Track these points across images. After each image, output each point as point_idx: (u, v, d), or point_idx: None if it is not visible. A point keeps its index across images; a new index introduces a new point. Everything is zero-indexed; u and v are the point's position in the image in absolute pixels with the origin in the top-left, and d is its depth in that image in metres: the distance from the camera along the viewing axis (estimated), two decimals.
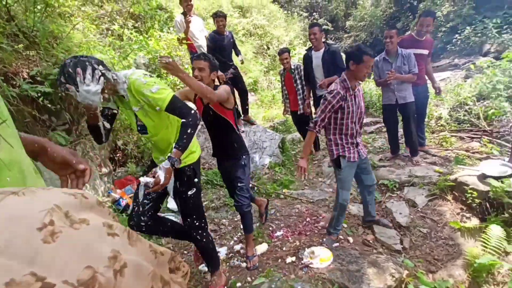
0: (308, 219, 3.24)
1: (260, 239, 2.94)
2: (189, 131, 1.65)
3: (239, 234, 3.08)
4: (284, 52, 4.28)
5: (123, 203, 3.24)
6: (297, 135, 5.51)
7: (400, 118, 3.97)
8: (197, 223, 2.00)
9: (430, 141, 4.61)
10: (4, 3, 2.48)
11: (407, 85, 3.58)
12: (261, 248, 2.77)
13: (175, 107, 1.68)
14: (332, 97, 2.31)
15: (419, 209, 3.20)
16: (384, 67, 3.57)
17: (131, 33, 5.43)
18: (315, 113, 4.77)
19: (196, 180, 1.96)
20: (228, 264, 2.62)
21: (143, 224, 1.93)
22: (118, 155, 4.11)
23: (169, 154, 1.62)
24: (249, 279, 2.36)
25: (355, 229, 3.07)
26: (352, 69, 2.32)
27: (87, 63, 1.50)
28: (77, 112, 3.05)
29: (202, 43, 4.56)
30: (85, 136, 3.25)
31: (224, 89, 2.18)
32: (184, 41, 4.39)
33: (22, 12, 2.76)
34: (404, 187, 3.51)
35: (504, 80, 4.70)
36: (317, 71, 3.86)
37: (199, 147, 2.10)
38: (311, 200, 3.61)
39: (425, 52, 3.72)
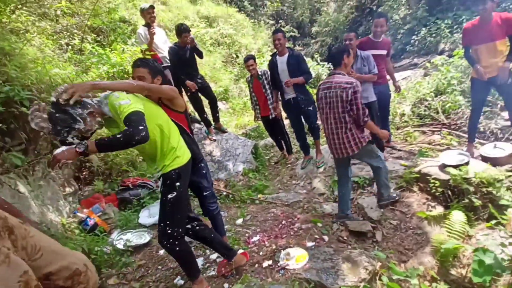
0: (284, 222, 3.25)
1: (237, 246, 2.90)
2: (119, 136, 1.59)
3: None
4: (249, 59, 4.33)
5: (90, 222, 3.09)
6: (269, 140, 5.55)
7: None
8: (169, 230, 1.95)
9: (396, 137, 4.81)
10: None
11: (368, 85, 3.70)
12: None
13: (130, 120, 1.63)
14: (358, 86, 2.63)
15: None
16: None
17: (93, 47, 5.27)
18: (286, 117, 4.89)
19: (178, 184, 1.94)
20: (205, 274, 2.56)
21: (189, 227, 2.18)
22: (84, 173, 3.93)
23: (85, 141, 1.59)
24: (226, 286, 2.31)
25: (329, 227, 3.12)
26: (346, 61, 2.78)
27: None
28: (34, 130, 2.88)
29: (166, 54, 4.51)
30: (45, 155, 3.09)
31: (168, 87, 2.08)
32: (148, 53, 4.32)
33: None
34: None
35: (457, 76, 5.02)
36: (283, 76, 3.93)
37: (187, 152, 2.08)
38: (286, 203, 3.63)
39: (383, 52, 3.88)
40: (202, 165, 2.46)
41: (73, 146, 1.57)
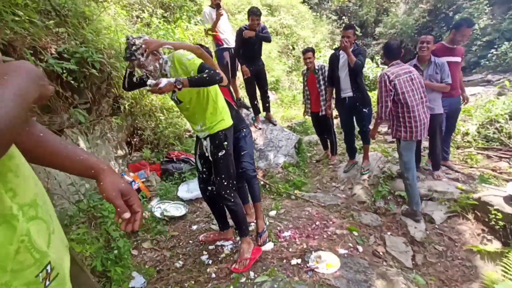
0: (318, 222, 3.15)
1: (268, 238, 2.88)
2: (205, 75, 1.89)
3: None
4: (308, 51, 4.20)
5: (134, 186, 3.26)
6: (314, 137, 5.40)
7: None
8: (225, 183, 2.21)
9: (454, 157, 4.40)
10: None
11: (436, 95, 3.38)
12: (267, 246, 2.70)
13: (204, 68, 1.94)
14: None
15: (436, 225, 3.04)
16: None
17: (159, 22, 5.49)
18: (336, 116, 4.69)
19: (225, 143, 2.20)
20: (232, 258, 2.58)
21: (210, 188, 2.39)
22: (135, 139, 4.15)
23: (181, 78, 1.86)
24: (252, 275, 2.31)
25: (366, 238, 2.96)
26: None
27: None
28: (99, 92, 3.09)
29: (227, 36, 4.55)
30: (105, 117, 3.30)
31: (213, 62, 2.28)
32: (210, 32, 4.39)
33: None
34: (422, 201, 3.36)
35: None
36: (342, 71, 3.74)
37: (229, 118, 2.29)
38: (323, 204, 3.51)
39: (459, 59, 3.53)
40: (244, 130, 2.67)
41: (172, 81, 1.83)
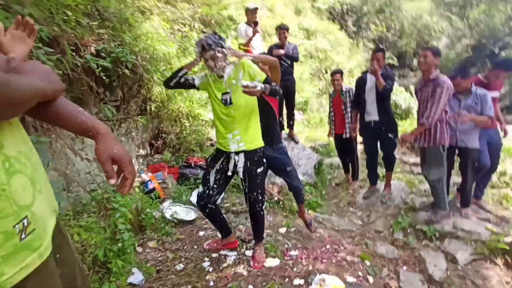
0: (328, 246, 3.00)
1: (273, 253, 2.78)
2: (277, 88, 2.15)
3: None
4: (336, 73, 4.20)
5: (150, 185, 3.34)
6: (336, 160, 5.26)
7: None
8: (260, 197, 2.34)
9: (488, 196, 4.05)
10: None
11: (471, 128, 3.18)
12: (272, 262, 2.61)
13: (269, 80, 2.17)
14: None
15: (459, 266, 2.78)
16: (452, 103, 3.23)
17: (198, 36, 5.79)
18: (361, 142, 4.56)
19: (264, 160, 2.35)
20: (233, 269, 2.52)
21: (210, 206, 2.36)
22: (158, 142, 4.30)
23: (263, 84, 2.05)
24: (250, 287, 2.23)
25: (378, 269, 2.77)
26: None
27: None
28: (129, 92, 3.27)
29: (259, 51, 4.69)
30: (132, 116, 3.47)
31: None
32: (242, 47, 4.54)
33: None
34: (446, 238, 3.10)
35: None
36: (369, 94, 3.66)
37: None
38: (336, 228, 3.36)
39: (497, 94, 3.34)
40: (283, 145, 2.85)
41: (262, 85, 2.02)
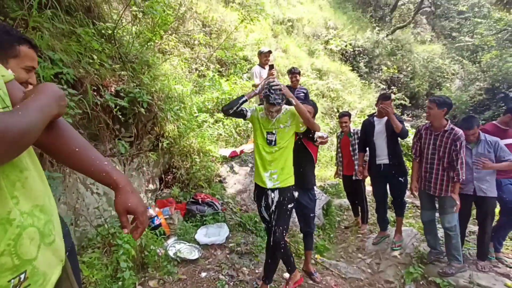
0: None
1: None
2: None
3: (256, 285, 2.86)
4: (344, 116, 4.31)
5: (156, 221, 3.35)
6: (346, 201, 5.16)
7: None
8: (284, 233, 2.49)
9: (507, 249, 3.84)
10: (112, 31, 3.06)
11: (488, 175, 3.13)
12: None
13: (310, 131, 2.54)
14: None
15: None
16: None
17: (214, 75, 6.10)
18: (370, 185, 4.49)
19: (295, 197, 2.55)
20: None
21: (282, 244, 2.47)
22: (168, 176, 4.37)
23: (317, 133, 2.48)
24: None
25: None
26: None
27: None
28: (143, 129, 3.41)
29: None
30: (145, 151, 3.58)
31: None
32: (255, 88, 4.74)
33: (126, 40, 3.36)
34: None
35: None
36: (379, 137, 3.65)
37: None
38: (344, 276, 3.22)
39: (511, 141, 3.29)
40: (314, 191, 3.07)
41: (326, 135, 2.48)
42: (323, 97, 10.79)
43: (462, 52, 16.47)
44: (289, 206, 2.49)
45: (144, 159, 3.59)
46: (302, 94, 4.72)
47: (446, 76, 16.37)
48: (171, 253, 3.08)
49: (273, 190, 2.49)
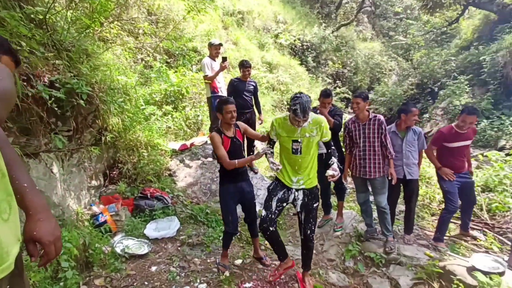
0: (283, 276, 3.06)
1: (227, 286, 2.77)
2: (334, 151, 2.67)
3: (208, 275, 2.92)
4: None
5: (101, 219, 3.21)
6: None
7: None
8: (313, 228, 2.70)
9: (428, 223, 4.43)
10: (44, 16, 2.82)
11: (414, 161, 3.55)
12: None
13: (330, 144, 2.67)
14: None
15: None
16: (394, 140, 3.60)
17: (161, 66, 5.89)
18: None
19: (318, 195, 2.72)
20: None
21: (271, 229, 2.58)
22: (114, 172, 4.18)
23: (333, 166, 2.53)
24: None
25: None
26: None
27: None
28: (84, 122, 3.22)
29: (222, 85, 4.89)
30: (86, 146, 3.38)
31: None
32: (207, 80, 4.70)
33: (61, 27, 3.11)
34: (391, 264, 3.31)
35: (511, 176, 4.60)
36: None
37: None
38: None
39: (469, 142, 3.63)
40: (250, 181, 3.14)
41: (337, 173, 2.49)
42: (273, 90, 11.06)
43: (397, 50, 18.03)
44: (315, 205, 2.65)
45: (86, 154, 3.39)
46: (252, 86, 4.83)
47: (384, 72, 17.84)
48: (118, 249, 2.99)
49: (297, 190, 2.62)
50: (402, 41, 17.72)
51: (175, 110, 5.76)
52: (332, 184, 4.16)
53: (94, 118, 3.34)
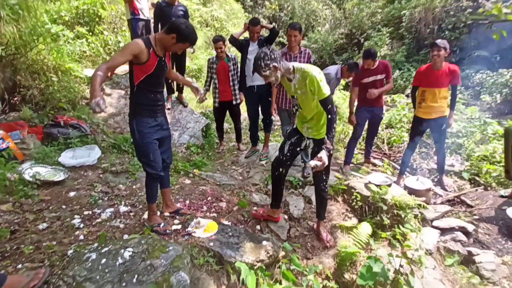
0: (209, 198, 3.23)
1: None
2: (334, 125, 2.33)
3: (133, 199, 2.92)
4: (219, 41, 4.16)
5: (2, 145, 2.83)
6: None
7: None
8: (324, 177, 2.68)
9: (341, 155, 5.05)
10: None
11: None
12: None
13: (326, 103, 2.29)
14: None
15: (313, 206, 3.42)
16: (332, 85, 3.82)
17: None
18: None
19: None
20: (108, 223, 2.46)
21: (281, 169, 2.67)
22: (15, 98, 3.61)
23: (325, 145, 2.28)
24: (125, 237, 2.24)
25: (251, 214, 3.15)
26: None
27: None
28: None
29: (144, 6, 4.38)
30: None
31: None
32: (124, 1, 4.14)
33: None
34: (306, 185, 3.76)
35: (408, 115, 5.41)
36: (251, 59, 3.86)
37: None
38: (218, 183, 3.62)
39: (382, 76, 3.95)
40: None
41: (325, 152, 2.23)
42: (206, 26, 10.39)
43: None
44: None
45: None
46: (182, 12, 4.42)
47: (319, 20, 18.09)
48: (27, 176, 2.73)
49: (308, 138, 2.63)
50: None
51: (90, 33, 5.03)
52: (261, 117, 4.33)
53: None
